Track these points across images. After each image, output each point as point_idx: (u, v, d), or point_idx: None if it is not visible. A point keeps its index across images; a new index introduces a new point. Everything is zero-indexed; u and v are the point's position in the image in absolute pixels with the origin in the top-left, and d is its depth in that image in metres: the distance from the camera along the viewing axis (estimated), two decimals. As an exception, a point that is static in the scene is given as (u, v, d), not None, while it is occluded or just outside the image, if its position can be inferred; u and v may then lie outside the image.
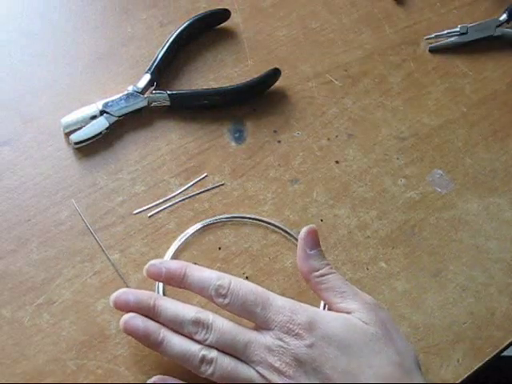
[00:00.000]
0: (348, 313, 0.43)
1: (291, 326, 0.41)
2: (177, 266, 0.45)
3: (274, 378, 0.40)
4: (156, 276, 0.45)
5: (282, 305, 0.42)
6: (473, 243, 0.52)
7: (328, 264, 0.45)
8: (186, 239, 0.50)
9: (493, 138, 0.58)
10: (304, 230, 0.46)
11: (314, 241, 0.46)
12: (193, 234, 0.50)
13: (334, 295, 0.44)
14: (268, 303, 0.42)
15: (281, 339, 0.41)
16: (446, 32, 0.63)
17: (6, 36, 0.59)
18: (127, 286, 0.47)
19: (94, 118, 0.54)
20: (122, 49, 0.59)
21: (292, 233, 0.51)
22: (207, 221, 0.51)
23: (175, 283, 0.45)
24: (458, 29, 0.63)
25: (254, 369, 0.41)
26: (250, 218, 0.51)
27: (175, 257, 0.49)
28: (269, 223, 0.51)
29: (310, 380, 0.40)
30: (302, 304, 0.43)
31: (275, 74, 0.58)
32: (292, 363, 0.40)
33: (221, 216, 0.51)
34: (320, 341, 0.41)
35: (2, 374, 0.44)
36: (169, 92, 0.55)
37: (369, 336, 0.41)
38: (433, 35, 0.63)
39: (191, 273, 0.44)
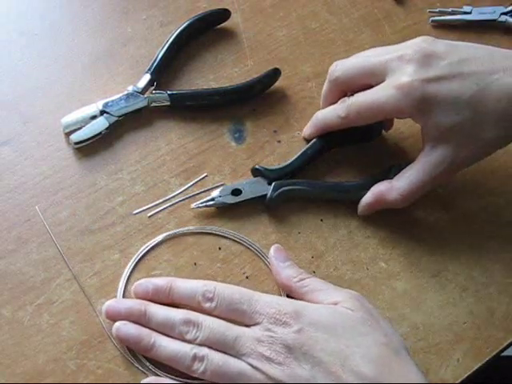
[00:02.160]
0: (334, 305, 0.44)
1: (278, 317, 0.42)
2: (162, 281, 0.46)
3: (265, 366, 0.41)
4: (143, 294, 0.46)
5: (267, 300, 0.43)
6: (473, 243, 0.52)
7: (304, 271, 0.47)
8: (148, 251, 0.49)
9: (493, 138, 0.58)
10: (272, 249, 0.49)
11: (284, 255, 0.48)
12: (163, 241, 0.50)
13: (317, 294, 0.45)
14: (254, 300, 0.43)
15: (269, 330, 0.42)
16: (450, 10, 0.64)
17: (5, 36, 0.59)
18: (93, 310, 0.47)
19: (94, 117, 0.54)
20: (122, 49, 0.59)
21: (255, 246, 0.51)
22: (170, 233, 0.50)
23: (163, 298, 0.46)
24: (462, 8, 0.64)
25: (244, 361, 0.42)
26: (214, 231, 0.51)
27: (134, 270, 0.49)
28: (235, 237, 0.51)
29: (301, 364, 0.41)
30: (287, 298, 0.44)
31: (275, 74, 0.58)
32: (282, 350, 0.41)
33: (188, 227, 0.51)
34: (307, 326, 0.42)
35: (2, 374, 0.44)
36: (169, 92, 0.55)
37: (355, 320, 0.42)
38: (437, 9, 0.64)
39: (177, 285, 0.45)
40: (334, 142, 0.55)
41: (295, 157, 0.53)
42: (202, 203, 0.51)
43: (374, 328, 0.42)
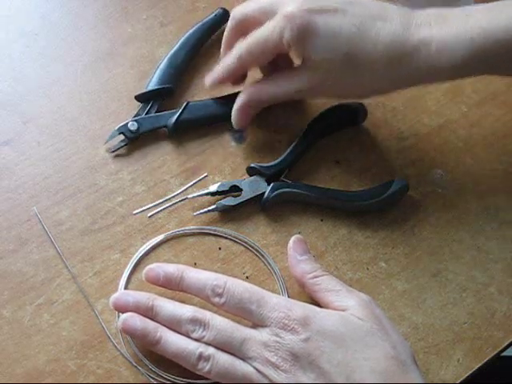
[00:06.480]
0: (343, 310, 0.43)
1: (287, 322, 0.41)
2: (174, 269, 0.45)
3: (270, 373, 0.41)
4: (154, 280, 0.46)
5: (277, 302, 0.43)
6: (473, 243, 0.52)
7: (320, 267, 0.47)
8: (148, 251, 0.49)
9: (493, 138, 0.58)
10: (291, 240, 0.48)
11: (303, 248, 0.48)
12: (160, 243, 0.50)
13: (329, 295, 0.45)
14: (264, 301, 0.43)
15: (277, 335, 0.41)
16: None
17: (5, 36, 0.59)
18: (93, 310, 0.47)
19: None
20: (122, 49, 0.59)
21: (250, 242, 0.51)
22: (170, 233, 0.50)
23: (173, 286, 0.45)
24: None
25: (250, 365, 0.41)
26: (214, 231, 0.51)
27: (134, 270, 0.49)
28: (235, 237, 0.51)
29: (306, 374, 0.40)
30: (297, 301, 0.43)
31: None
32: (288, 358, 0.41)
33: (188, 227, 0.51)
34: (315, 335, 0.41)
35: (2, 373, 0.44)
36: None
37: (364, 331, 0.42)
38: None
39: (188, 275, 0.45)
40: (324, 130, 0.55)
41: (288, 151, 0.53)
42: (203, 211, 0.51)
43: (382, 339, 0.42)
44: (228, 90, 0.56)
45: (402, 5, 0.64)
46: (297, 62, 0.52)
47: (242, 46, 0.51)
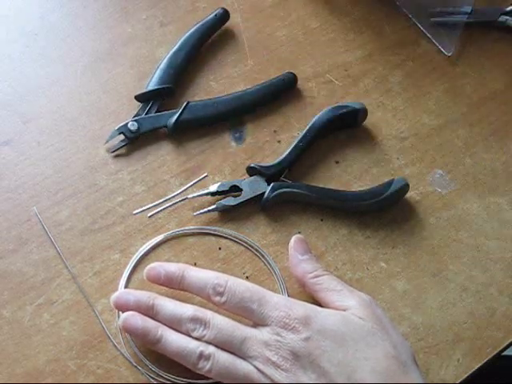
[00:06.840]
0: (344, 310, 0.43)
1: (288, 321, 0.41)
2: (175, 268, 0.45)
3: (271, 372, 0.41)
4: (155, 279, 0.46)
5: (278, 301, 0.43)
6: (473, 243, 0.52)
7: (321, 267, 0.47)
8: (148, 251, 0.49)
9: (493, 137, 0.58)
10: (293, 239, 0.48)
11: (304, 247, 0.48)
12: (157, 244, 0.50)
13: (330, 294, 0.45)
14: (264, 300, 0.43)
15: (278, 334, 0.41)
16: (450, 9, 0.63)
17: (5, 36, 0.59)
18: (93, 310, 0.47)
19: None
20: (122, 49, 0.59)
21: (250, 242, 0.51)
22: (170, 233, 0.50)
23: (174, 285, 0.45)
24: (462, 8, 0.63)
25: (251, 364, 0.41)
26: (214, 231, 0.51)
27: (134, 270, 0.49)
28: (235, 237, 0.51)
29: (307, 373, 0.40)
30: (298, 301, 0.43)
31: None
32: (289, 357, 0.41)
33: (188, 227, 0.51)
34: (316, 334, 0.41)
35: (2, 373, 0.44)
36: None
37: (365, 330, 0.42)
38: (437, 9, 0.63)
39: (189, 274, 0.45)
40: (324, 130, 0.55)
41: (288, 151, 0.53)
42: (203, 211, 0.51)
43: (383, 339, 0.42)
44: (232, 89, 0.56)
45: (403, 5, 0.64)
46: None
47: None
